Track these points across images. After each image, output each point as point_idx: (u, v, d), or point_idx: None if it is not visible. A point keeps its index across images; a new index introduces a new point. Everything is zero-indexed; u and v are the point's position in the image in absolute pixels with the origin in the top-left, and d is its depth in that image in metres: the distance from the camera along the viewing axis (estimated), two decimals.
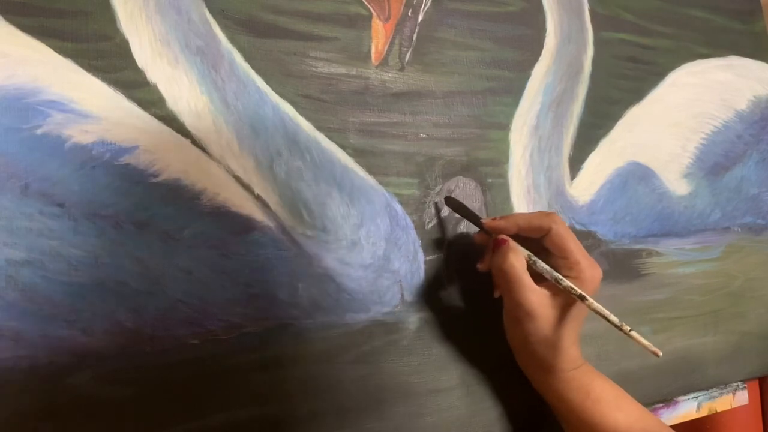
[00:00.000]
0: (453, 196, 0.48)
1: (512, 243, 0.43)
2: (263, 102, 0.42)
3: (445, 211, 0.47)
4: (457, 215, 0.47)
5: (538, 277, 0.42)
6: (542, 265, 0.42)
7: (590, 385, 0.43)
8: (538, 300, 0.41)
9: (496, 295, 0.45)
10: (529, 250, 0.43)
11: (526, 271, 0.42)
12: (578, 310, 0.42)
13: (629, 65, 0.60)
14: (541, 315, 0.41)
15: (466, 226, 0.48)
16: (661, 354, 0.38)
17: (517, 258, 0.42)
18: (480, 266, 0.45)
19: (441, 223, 0.47)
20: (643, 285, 0.56)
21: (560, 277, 0.41)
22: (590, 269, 0.42)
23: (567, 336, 0.42)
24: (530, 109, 0.53)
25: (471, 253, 0.46)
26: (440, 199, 0.47)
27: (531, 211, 0.51)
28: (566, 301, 0.42)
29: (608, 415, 0.42)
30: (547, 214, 0.43)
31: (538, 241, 0.43)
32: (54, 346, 0.34)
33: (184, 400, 0.37)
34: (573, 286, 0.41)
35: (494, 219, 0.44)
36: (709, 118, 0.64)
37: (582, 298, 0.41)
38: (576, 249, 0.42)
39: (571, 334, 0.42)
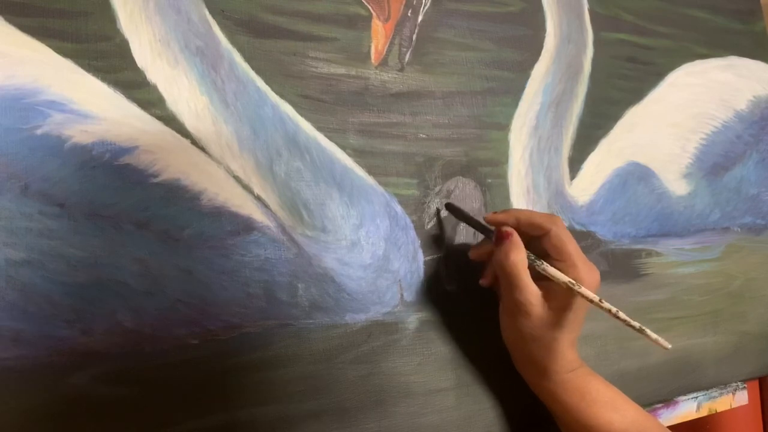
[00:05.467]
0: (453, 196, 0.48)
1: (516, 237, 0.42)
2: (263, 102, 0.42)
3: (445, 211, 0.47)
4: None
5: (535, 277, 0.42)
6: (546, 266, 0.42)
7: (586, 387, 0.43)
8: (535, 300, 0.41)
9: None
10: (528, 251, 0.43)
11: (527, 269, 0.42)
12: (575, 314, 0.42)
13: (629, 65, 0.60)
14: (536, 314, 0.41)
15: (465, 227, 0.48)
16: (669, 346, 0.39)
17: (519, 254, 0.42)
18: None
19: (440, 223, 0.47)
20: (643, 285, 0.56)
21: (570, 280, 0.41)
22: (589, 273, 0.42)
23: (562, 338, 0.42)
24: (530, 110, 0.53)
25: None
26: (441, 203, 0.47)
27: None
28: (562, 303, 0.41)
29: (603, 416, 0.42)
30: (550, 216, 0.43)
31: (537, 243, 0.43)
32: (54, 346, 0.34)
33: (184, 400, 0.37)
34: (588, 292, 0.41)
35: (494, 213, 0.45)
36: (708, 119, 0.64)
37: (597, 304, 0.40)
38: (575, 252, 0.42)
39: (567, 337, 0.42)
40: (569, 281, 0.41)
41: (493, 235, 0.44)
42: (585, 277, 0.41)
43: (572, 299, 0.41)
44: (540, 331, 0.42)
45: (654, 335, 0.39)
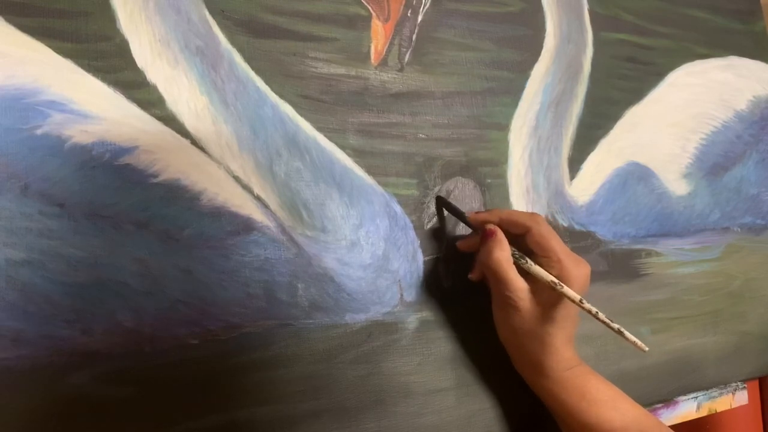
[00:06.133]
0: (452, 196, 0.48)
1: (499, 235, 0.43)
2: (263, 102, 0.42)
3: (444, 211, 0.47)
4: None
5: (523, 271, 0.43)
6: (530, 264, 0.42)
7: (585, 386, 0.43)
8: (523, 295, 0.42)
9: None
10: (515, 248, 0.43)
11: (512, 265, 0.42)
12: (567, 310, 0.42)
13: (628, 65, 0.60)
14: (524, 308, 0.42)
15: (465, 226, 0.48)
16: (647, 349, 0.40)
17: (503, 251, 0.42)
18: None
19: (440, 222, 0.47)
20: (643, 285, 0.56)
21: (553, 279, 0.41)
22: (575, 268, 0.42)
23: (555, 334, 0.42)
24: (529, 110, 0.53)
25: (469, 253, 0.46)
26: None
27: (529, 211, 0.51)
28: (551, 298, 0.42)
29: (604, 415, 0.42)
30: (531, 215, 0.44)
31: (522, 241, 0.43)
32: (54, 346, 0.34)
33: (184, 400, 0.37)
34: (570, 292, 0.41)
35: (477, 212, 0.45)
36: (708, 119, 0.64)
37: (578, 304, 0.41)
38: (558, 248, 0.42)
39: (560, 332, 0.42)
40: (552, 280, 0.41)
41: (480, 232, 0.44)
42: (571, 272, 0.42)
43: (560, 295, 0.41)
44: (531, 325, 0.42)
45: (632, 337, 0.40)
